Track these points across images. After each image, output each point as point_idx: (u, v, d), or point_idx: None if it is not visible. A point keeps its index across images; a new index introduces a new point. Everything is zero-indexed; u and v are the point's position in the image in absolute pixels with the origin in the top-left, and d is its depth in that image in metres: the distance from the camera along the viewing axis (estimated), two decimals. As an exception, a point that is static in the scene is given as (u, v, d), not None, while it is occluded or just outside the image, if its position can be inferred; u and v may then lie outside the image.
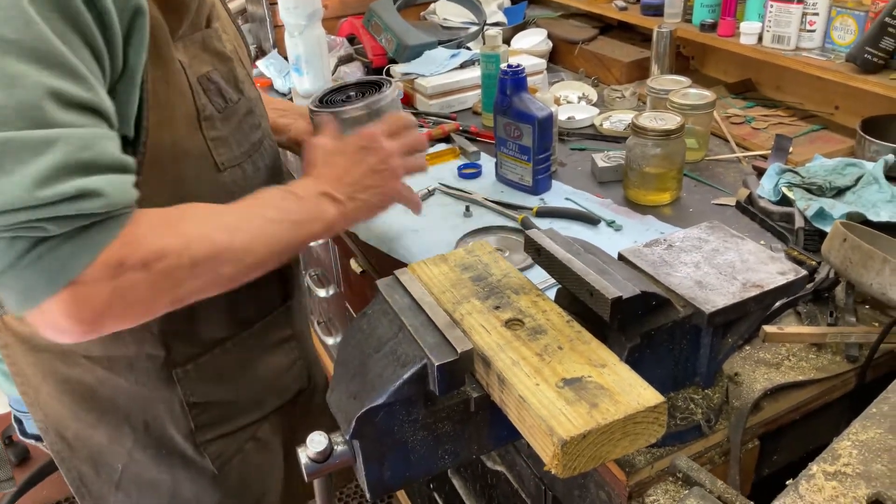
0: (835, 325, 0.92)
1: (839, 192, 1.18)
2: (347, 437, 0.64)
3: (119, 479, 0.96)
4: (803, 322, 0.94)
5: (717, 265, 0.81)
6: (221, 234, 0.73)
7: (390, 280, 0.72)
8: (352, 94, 1.08)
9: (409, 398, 0.63)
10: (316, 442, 0.68)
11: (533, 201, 1.29)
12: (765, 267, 0.80)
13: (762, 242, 1.13)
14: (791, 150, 1.35)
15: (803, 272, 0.79)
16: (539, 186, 1.31)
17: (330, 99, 1.09)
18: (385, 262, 1.26)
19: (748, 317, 0.79)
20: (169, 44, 0.77)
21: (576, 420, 0.58)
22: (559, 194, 1.31)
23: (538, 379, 0.63)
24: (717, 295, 0.76)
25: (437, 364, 0.60)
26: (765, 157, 1.37)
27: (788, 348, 0.90)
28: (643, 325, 0.72)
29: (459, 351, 0.61)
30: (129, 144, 0.74)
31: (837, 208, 1.10)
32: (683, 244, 0.86)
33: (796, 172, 1.21)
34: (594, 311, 0.70)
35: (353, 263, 1.53)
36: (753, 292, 0.76)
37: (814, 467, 0.59)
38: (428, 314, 0.66)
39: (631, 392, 0.61)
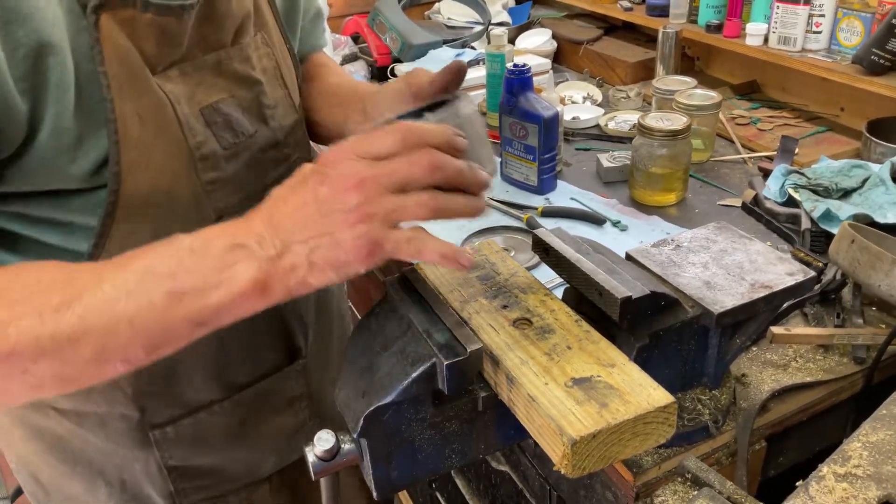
0: (842, 326, 0.92)
1: (845, 194, 1.17)
2: (355, 436, 0.64)
3: None
4: (810, 323, 0.93)
5: (725, 266, 0.81)
6: (41, 318, 0.53)
7: (398, 278, 0.72)
8: (425, 112, 0.96)
9: (417, 397, 0.63)
10: (323, 440, 0.67)
11: (538, 201, 1.29)
12: (773, 268, 0.80)
13: (768, 243, 1.13)
14: (797, 151, 1.35)
15: (812, 273, 0.79)
16: (544, 186, 1.31)
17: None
18: (389, 262, 1.25)
19: (756, 318, 0.78)
20: (144, 77, 0.67)
21: (585, 420, 0.58)
22: (564, 194, 1.31)
23: (547, 378, 0.63)
24: (725, 295, 0.76)
25: (446, 363, 0.60)
26: (770, 159, 1.37)
27: (795, 349, 0.90)
28: (652, 325, 0.72)
29: (469, 350, 0.61)
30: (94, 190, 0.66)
31: (844, 210, 1.09)
32: (691, 244, 0.85)
33: (802, 174, 1.21)
34: (603, 310, 0.69)
35: (356, 262, 1.52)
36: (762, 293, 0.76)
37: (824, 468, 0.59)
38: (436, 313, 0.66)
39: (641, 392, 0.61)
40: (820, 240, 1.08)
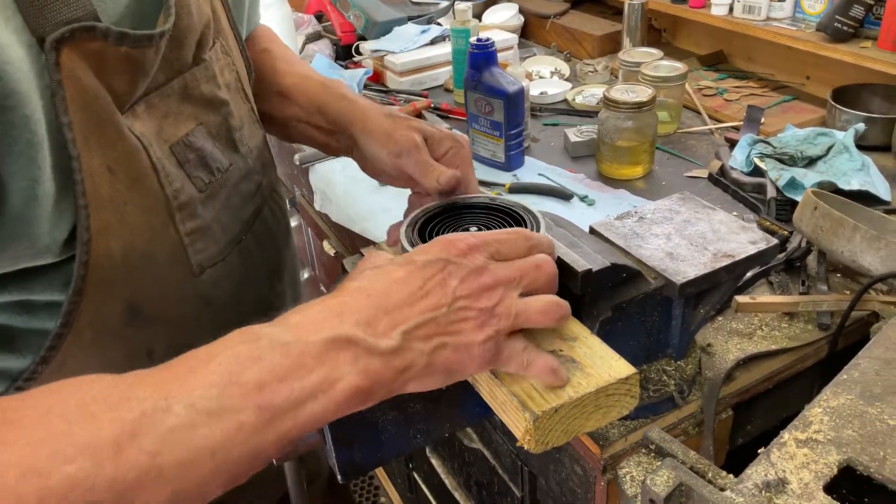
0: (807, 293, 0.93)
1: (811, 162, 1.18)
2: (315, 420, 0.63)
3: None
4: (776, 292, 0.94)
5: (687, 236, 0.80)
6: (95, 459, 0.38)
7: (356, 258, 0.70)
8: (470, 225, 0.68)
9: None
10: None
11: (506, 178, 1.28)
12: (736, 237, 0.80)
13: (734, 214, 1.13)
14: (763, 120, 1.35)
15: (775, 241, 0.79)
16: (512, 162, 1.30)
17: (434, 229, 0.68)
18: (358, 243, 1.24)
19: (720, 287, 0.78)
20: (113, 122, 0.56)
21: (548, 395, 0.58)
22: (532, 170, 1.30)
23: (508, 354, 0.62)
24: (687, 266, 0.76)
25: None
26: (737, 129, 1.37)
27: (761, 318, 0.90)
28: (614, 298, 0.72)
29: (427, 328, 0.60)
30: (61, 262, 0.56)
31: (809, 177, 1.10)
32: (654, 216, 0.85)
33: (768, 143, 1.21)
34: (564, 284, 0.69)
35: (326, 245, 1.51)
36: (724, 262, 0.76)
37: (785, 435, 0.59)
38: (395, 292, 0.64)
39: (602, 365, 0.60)
40: (785, 208, 1.08)
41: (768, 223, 1.06)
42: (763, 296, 0.89)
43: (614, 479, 0.75)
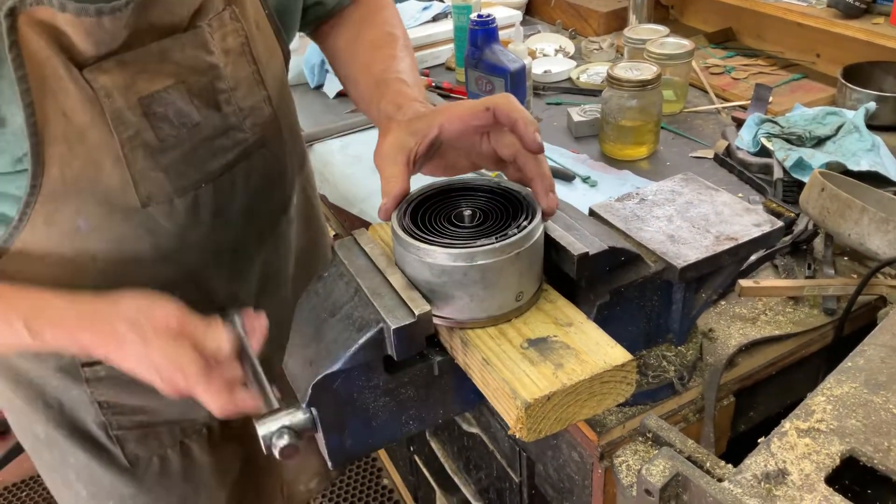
0: (812, 277, 0.90)
1: (819, 142, 1.15)
2: (304, 406, 0.61)
3: (43, 445, 0.92)
4: (781, 275, 0.91)
5: (690, 218, 0.78)
6: None
7: (347, 241, 0.68)
8: (465, 209, 0.64)
9: (367, 364, 0.61)
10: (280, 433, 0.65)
11: (507, 158, 1.25)
12: (739, 219, 0.77)
13: (740, 195, 1.10)
14: (771, 99, 1.32)
15: (779, 223, 0.77)
16: (513, 142, 1.27)
17: (428, 212, 0.64)
18: (357, 225, 1.22)
19: (722, 271, 0.76)
20: (69, 77, 0.66)
21: (540, 381, 0.56)
22: (534, 150, 1.27)
23: (502, 340, 0.61)
24: (689, 249, 0.73)
25: (393, 327, 0.57)
26: (744, 108, 1.34)
27: (765, 302, 0.88)
28: (612, 282, 0.70)
29: (417, 313, 0.58)
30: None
31: (816, 158, 1.07)
32: (656, 197, 0.83)
33: (776, 122, 1.18)
34: (561, 268, 0.67)
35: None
36: (727, 245, 0.74)
37: (786, 424, 0.57)
38: (385, 275, 0.63)
39: (598, 351, 0.58)
40: (792, 190, 1.06)
41: (774, 205, 1.03)
42: (767, 280, 0.87)
43: (611, 466, 0.74)
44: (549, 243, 0.66)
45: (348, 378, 0.61)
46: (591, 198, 1.12)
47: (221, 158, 0.79)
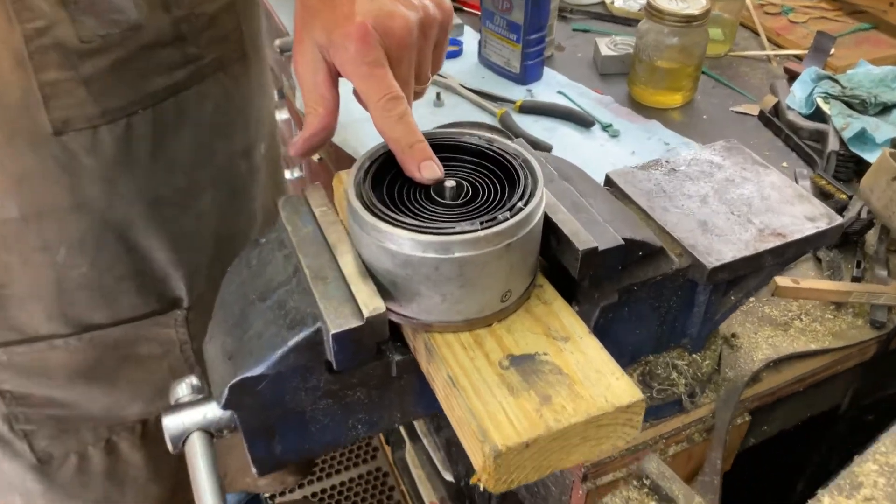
0: (861, 278, 0.76)
1: (884, 110, 0.97)
2: (220, 407, 0.49)
3: None
4: (823, 272, 0.77)
5: (729, 201, 0.63)
6: None
7: (295, 199, 0.54)
8: (446, 178, 0.49)
9: (302, 366, 0.48)
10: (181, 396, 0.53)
11: (518, 92, 1.09)
12: (790, 209, 0.63)
13: (784, 164, 0.95)
14: (832, 51, 1.13)
15: (838, 220, 0.62)
16: (528, 74, 1.10)
17: (396, 179, 0.50)
18: (339, 153, 1.07)
19: (760, 272, 0.62)
20: None
21: (519, 421, 0.43)
22: (551, 85, 1.11)
23: (476, 353, 0.48)
24: (724, 243, 0.59)
25: (332, 332, 0.44)
26: (800, 59, 1.15)
27: (801, 305, 0.74)
28: (623, 279, 0.56)
29: (366, 314, 0.44)
30: None
31: (883, 131, 0.90)
32: (690, 169, 0.68)
33: (836, 81, 1.00)
34: (559, 261, 0.53)
35: (311, 148, 1.33)
36: (772, 243, 0.59)
37: (825, 498, 0.45)
38: (334, 254, 0.49)
39: (598, 382, 0.45)
40: (847, 165, 0.90)
41: (824, 182, 0.88)
42: (808, 279, 0.72)
43: (594, 489, 0.62)
44: (549, 227, 0.52)
45: (276, 381, 0.48)
46: (611, 150, 0.97)
47: (167, 77, 0.64)
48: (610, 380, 0.46)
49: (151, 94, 0.63)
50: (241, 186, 0.77)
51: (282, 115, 1.52)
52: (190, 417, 0.52)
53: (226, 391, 0.48)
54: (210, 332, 0.52)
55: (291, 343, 0.45)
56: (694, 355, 0.66)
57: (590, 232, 0.51)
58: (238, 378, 0.47)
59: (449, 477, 1.13)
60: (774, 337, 0.70)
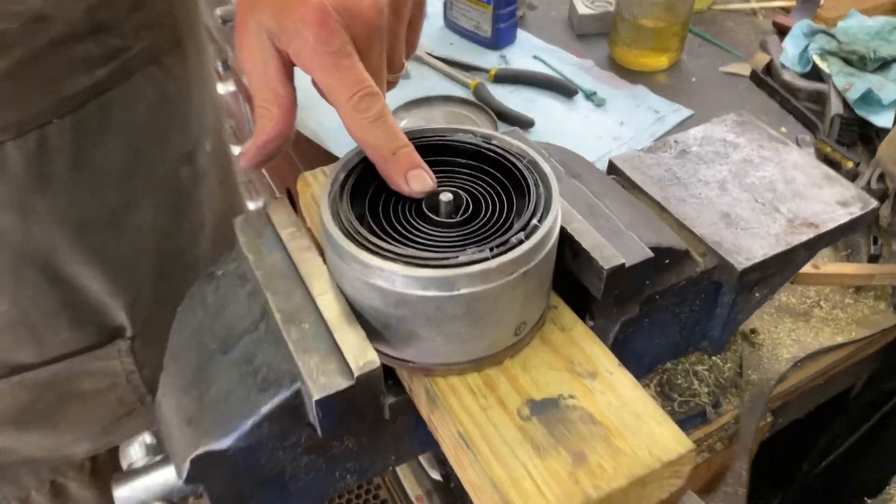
0: (878, 256, 0.70)
1: (884, 65, 0.91)
2: (182, 481, 0.40)
3: None
4: (840, 252, 0.71)
5: (750, 187, 0.56)
6: None
7: (255, 217, 0.45)
8: (441, 189, 0.41)
9: (278, 432, 0.39)
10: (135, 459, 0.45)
11: (491, 59, 0.99)
12: (818, 192, 0.56)
13: (783, 130, 0.88)
14: (822, 2, 1.06)
15: (873, 203, 0.55)
16: (500, 38, 1.01)
17: (383, 199, 0.41)
18: (301, 137, 0.96)
19: (789, 267, 0.55)
20: None
21: (550, 488, 0.36)
22: (525, 50, 1.01)
23: (489, 399, 0.40)
24: (751, 238, 0.52)
25: (316, 397, 0.35)
26: (787, 11, 1.08)
27: (819, 290, 0.68)
28: (645, 291, 0.48)
29: (357, 372, 0.36)
30: None
31: (888, 90, 0.84)
32: (702, 150, 0.60)
33: (832, 35, 0.93)
34: (577, 278, 0.45)
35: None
36: (805, 235, 0.52)
37: (894, 490, 0.39)
38: (309, 290, 0.40)
39: (639, 431, 0.38)
40: (852, 129, 0.84)
41: (829, 149, 0.81)
42: (828, 264, 0.66)
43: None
44: (563, 237, 0.44)
45: (249, 450, 0.39)
46: (596, 122, 0.88)
47: (86, 77, 0.53)
48: (652, 426, 0.38)
49: (68, 98, 0.52)
50: (185, 195, 0.66)
51: (228, 87, 1.39)
52: (145, 487, 0.43)
53: (187, 465, 0.39)
54: (162, 388, 0.43)
55: (265, 410, 0.37)
56: (714, 358, 0.59)
57: (613, 244, 0.43)
58: (201, 451, 0.38)
59: (436, 476, 1.06)
60: (796, 330, 0.64)
